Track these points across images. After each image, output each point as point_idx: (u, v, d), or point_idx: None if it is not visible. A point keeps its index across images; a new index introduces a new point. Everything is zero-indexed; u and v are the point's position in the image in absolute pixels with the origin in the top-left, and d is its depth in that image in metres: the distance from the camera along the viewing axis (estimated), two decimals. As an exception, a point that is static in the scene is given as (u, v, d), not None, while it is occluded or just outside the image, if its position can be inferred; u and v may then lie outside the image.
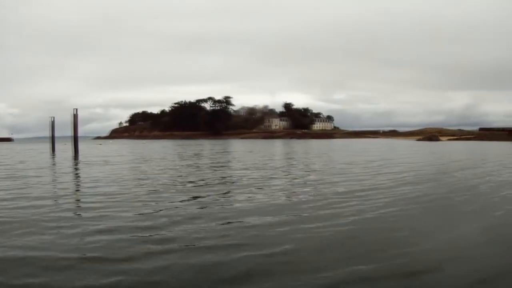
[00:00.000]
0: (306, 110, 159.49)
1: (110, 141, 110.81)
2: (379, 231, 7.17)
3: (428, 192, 11.63)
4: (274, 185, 13.63)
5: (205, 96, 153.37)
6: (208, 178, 15.73)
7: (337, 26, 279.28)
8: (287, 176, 16.64)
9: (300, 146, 56.13)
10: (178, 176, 16.65)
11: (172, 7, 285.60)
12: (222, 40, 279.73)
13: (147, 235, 6.89)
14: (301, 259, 5.74)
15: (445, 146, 58.52)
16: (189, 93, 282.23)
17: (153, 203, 9.98)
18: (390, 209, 9.06)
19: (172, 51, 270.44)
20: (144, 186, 13.40)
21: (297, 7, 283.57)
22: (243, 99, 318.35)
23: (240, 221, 8.03)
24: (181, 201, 10.30)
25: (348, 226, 7.53)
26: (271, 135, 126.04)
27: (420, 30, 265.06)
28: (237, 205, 10.04)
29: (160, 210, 9.06)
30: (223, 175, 17.08)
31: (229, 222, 7.93)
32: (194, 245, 6.33)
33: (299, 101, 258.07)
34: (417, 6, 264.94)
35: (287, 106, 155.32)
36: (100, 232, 7.05)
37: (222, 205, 9.86)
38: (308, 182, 14.55)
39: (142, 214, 8.69)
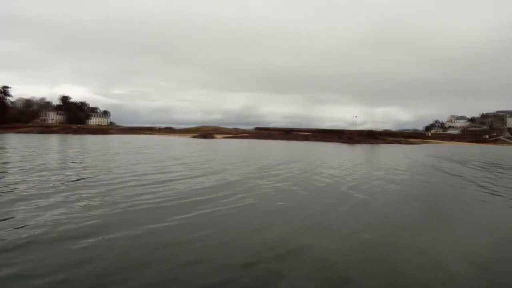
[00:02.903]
0: (83, 104, 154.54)
1: None
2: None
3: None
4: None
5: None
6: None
7: (124, 20, 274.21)
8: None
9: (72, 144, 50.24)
10: None
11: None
12: (6, 24, 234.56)
13: None
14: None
15: (219, 143, 64.24)
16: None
17: None
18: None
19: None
20: None
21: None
22: (25, 89, 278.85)
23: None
24: None
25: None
26: (47, 129, 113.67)
27: (209, 32, 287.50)
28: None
29: None
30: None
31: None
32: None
33: (78, 95, 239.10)
34: (210, 9, 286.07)
35: (64, 99, 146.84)
36: None
37: None
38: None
39: None
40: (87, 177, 15.07)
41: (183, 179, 15.46)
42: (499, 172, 23.70)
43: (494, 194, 14.08)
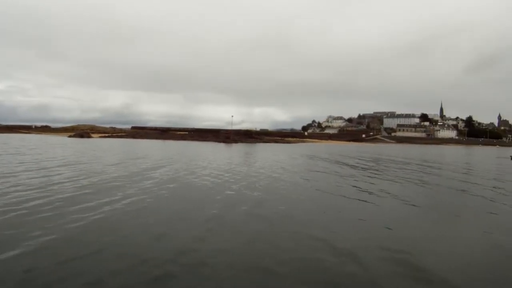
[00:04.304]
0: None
1: None
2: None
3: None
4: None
5: None
6: None
7: (4, 10, 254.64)
8: None
9: None
10: None
11: None
12: None
13: None
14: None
15: (95, 142, 63.00)
16: None
17: None
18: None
19: None
20: None
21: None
22: None
23: None
24: None
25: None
26: None
27: (89, 25, 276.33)
28: None
29: None
30: None
31: None
32: None
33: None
34: (91, 1, 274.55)
35: None
36: None
37: None
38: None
39: None
40: None
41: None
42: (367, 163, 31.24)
43: (383, 179, 19.38)
